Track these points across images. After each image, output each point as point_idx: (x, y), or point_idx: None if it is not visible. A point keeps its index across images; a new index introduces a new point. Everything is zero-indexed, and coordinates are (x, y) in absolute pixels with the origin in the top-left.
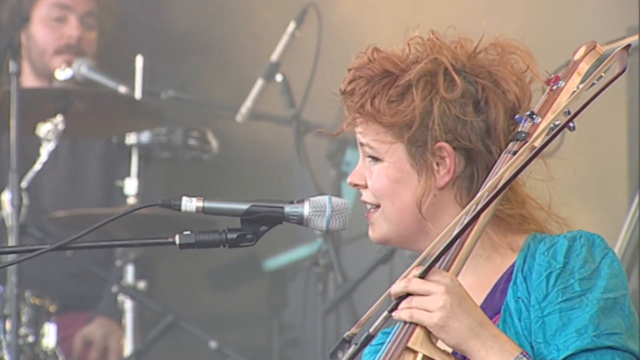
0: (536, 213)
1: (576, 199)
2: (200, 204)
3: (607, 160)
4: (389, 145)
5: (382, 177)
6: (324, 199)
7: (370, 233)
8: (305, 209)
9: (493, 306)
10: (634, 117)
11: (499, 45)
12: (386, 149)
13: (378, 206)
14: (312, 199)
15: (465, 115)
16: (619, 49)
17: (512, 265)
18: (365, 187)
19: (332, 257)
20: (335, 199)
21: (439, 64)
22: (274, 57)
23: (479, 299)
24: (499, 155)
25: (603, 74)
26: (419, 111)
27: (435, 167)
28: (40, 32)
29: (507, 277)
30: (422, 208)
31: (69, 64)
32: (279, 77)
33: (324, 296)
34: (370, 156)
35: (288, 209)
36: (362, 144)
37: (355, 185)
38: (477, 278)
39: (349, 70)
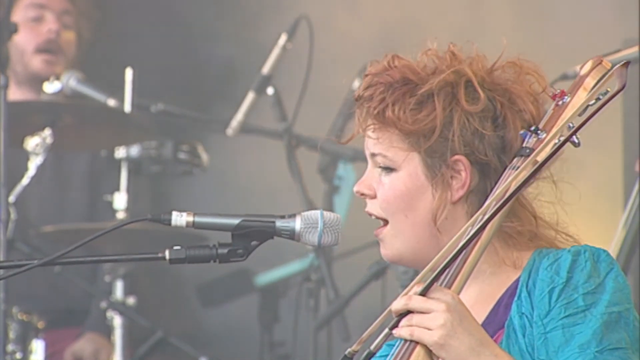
0: (546, 232)
1: (572, 213)
2: (190, 218)
3: (603, 172)
4: (404, 154)
5: (396, 187)
6: (315, 214)
7: (383, 251)
8: (297, 224)
9: (497, 321)
10: (630, 129)
11: (516, 65)
12: (401, 158)
13: (385, 222)
14: (303, 213)
15: (484, 129)
16: (618, 65)
17: (517, 280)
18: (373, 197)
19: (324, 273)
20: (327, 214)
21: (460, 75)
22: (265, 69)
23: (483, 314)
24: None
25: (609, 89)
26: (440, 121)
27: (450, 180)
28: (19, 34)
29: (511, 292)
30: (437, 222)
31: (57, 76)
32: (270, 90)
33: (316, 312)
34: (382, 166)
35: (279, 223)
36: (373, 154)
37: (363, 194)
38: (481, 292)
39: (365, 76)
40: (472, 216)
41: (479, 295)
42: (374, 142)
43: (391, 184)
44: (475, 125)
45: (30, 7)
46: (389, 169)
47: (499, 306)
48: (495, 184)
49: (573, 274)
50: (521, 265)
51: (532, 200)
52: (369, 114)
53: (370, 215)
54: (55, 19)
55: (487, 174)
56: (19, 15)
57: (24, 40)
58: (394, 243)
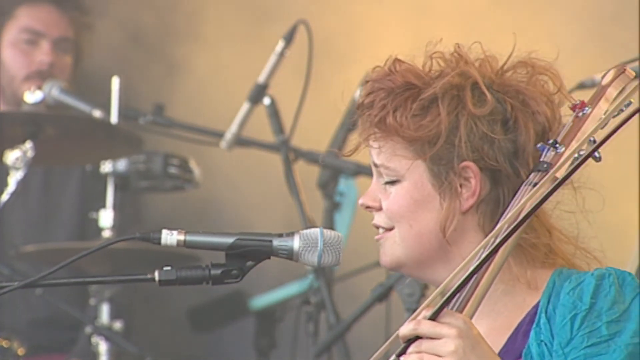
0: (564, 246)
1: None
2: (181, 237)
3: (619, 191)
4: (409, 163)
5: (401, 197)
6: (315, 232)
7: (381, 257)
8: (295, 243)
9: (515, 350)
10: None
11: (528, 65)
12: (406, 167)
13: (391, 229)
14: (302, 231)
15: (493, 133)
16: None
17: (536, 305)
18: (379, 209)
19: (324, 295)
20: (327, 232)
21: (466, 77)
22: (261, 78)
23: (500, 342)
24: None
25: (632, 100)
26: (445, 126)
27: (459, 188)
28: (10, 55)
29: (530, 319)
30: (446, 233)
31: (39, 86)
32: (266, 100)
33: (315, 337)
34: (386, 179)
35: (277, 242)
36: (376, 165)
37: (368, 207)
38: (498, 318)
39: (367, 82)
40: (483, 227)
41: (495, 321)
42: (377, 152)
43: (396, 195)
44: (483, 130)
45: (25, 31)
46: (393, 181)
47: (517, 333)
48: (512, 196)
49: (597, 300)
50: (537, 286)
51: (552, 208)
52: (370, 122)
53: (378, 227)
54: (50, 49)
55: (498, 181)
56: (11, 34)
57: (14, 66)
58: (394, 250)
